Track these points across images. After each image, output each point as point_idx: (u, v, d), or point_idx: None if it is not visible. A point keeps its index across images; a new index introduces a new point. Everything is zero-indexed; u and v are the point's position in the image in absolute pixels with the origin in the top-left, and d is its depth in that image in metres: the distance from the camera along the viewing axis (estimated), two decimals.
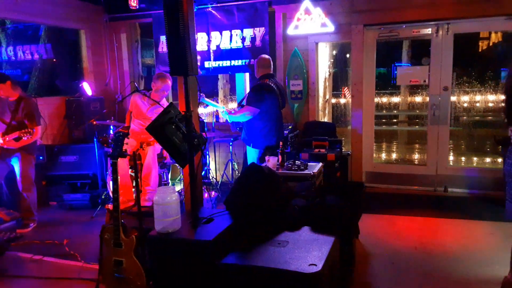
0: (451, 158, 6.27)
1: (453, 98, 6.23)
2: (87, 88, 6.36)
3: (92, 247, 3.80)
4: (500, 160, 5.65)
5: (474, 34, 7.10)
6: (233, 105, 7.31)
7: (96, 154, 5.21)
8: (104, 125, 5.17)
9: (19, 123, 4.40)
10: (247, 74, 6.39)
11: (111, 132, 5.01)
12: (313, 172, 3.93)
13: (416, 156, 7.43)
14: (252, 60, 5.88)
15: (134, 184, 4.74)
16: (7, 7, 5.33)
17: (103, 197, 5.19)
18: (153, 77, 4.93)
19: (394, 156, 7.69)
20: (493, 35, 7.78)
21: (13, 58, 8.44)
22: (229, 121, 4.65)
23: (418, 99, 7.61)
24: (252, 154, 4.60)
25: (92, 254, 3.66)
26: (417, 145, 7.76)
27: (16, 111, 4.41)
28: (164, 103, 5.02)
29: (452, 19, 5.21)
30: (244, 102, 4.60)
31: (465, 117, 7.72)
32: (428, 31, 5.43)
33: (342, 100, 7.80)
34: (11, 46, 8.46)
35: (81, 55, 6.78)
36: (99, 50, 6.80)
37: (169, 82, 4.88)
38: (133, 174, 4.74)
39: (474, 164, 6.90)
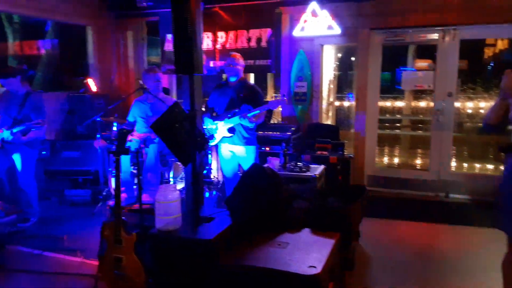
0: (453, 164, 6.25)
1: (457, 104, 6.20)
2: (91, 84, 6.38)
3: (92, 243, 3.78)
4: (502, 167, 5.62)
5: (480, 40, 7.07)
6: None
7: (99, 150, 5.22)
8: (108, 122, 5.17)
9: (24, 117, 4.41)
10: (252, 75, 6.39)
11: (115, 129, 5.01)
12: (315, 174, 3.93)
13: (418, 161, 7.40)
14: (258, 60, 5.89)
15: (135, 181, 4.75)
16: (15, 2, 5.36)
17: (104, 193, 5.20)
18: (142, 75, 4.99)
19: (396, 160, 7.66)
20: (499, 42, 7.75)
21: (20, 52, 8.48)
22: (251, 127, 4.31)
23: (422, 104, 7.57)
24: (251, 153, 4.45)
25: (92, 250, 3.65)
26: (419, 150, 7.73)
27: (23, 105, 4.42)
28: (167, 99, 5.03)
29: (460, 25, 5.19)
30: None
31: (468, 124, 7.67)
32: (435, 36, 5.41)
33: (346, 103, 7.79)
34: (18, 41, 8.50)
35: (87, 51, 6.80)
36: (105, 47, 6.81)
37: (157, 72, 4.84)
38: (135, 171, 4.75)
39: (476, 171, 6.87)
